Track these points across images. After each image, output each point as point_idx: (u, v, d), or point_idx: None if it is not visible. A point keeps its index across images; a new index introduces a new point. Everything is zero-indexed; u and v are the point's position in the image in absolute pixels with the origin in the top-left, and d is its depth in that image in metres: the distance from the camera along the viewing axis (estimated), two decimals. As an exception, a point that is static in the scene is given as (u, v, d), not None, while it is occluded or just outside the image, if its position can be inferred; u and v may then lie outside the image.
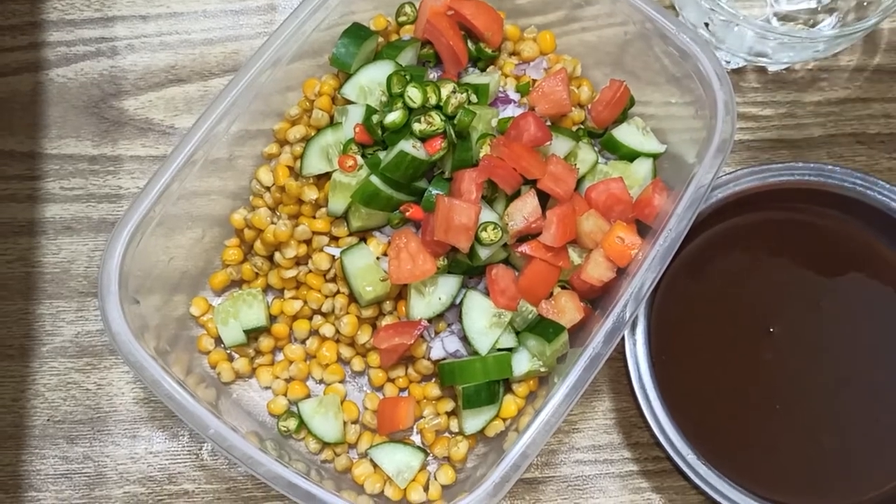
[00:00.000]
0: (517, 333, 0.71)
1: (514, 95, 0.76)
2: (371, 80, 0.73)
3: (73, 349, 0.76)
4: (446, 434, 0.73)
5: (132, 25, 0.84)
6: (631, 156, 0.75)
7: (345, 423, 0.72)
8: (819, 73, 0.83)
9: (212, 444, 0.64)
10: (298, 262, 0.74)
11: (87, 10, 0.85)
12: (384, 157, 0.71)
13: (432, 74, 0.76)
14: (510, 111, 0.75)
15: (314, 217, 0.74)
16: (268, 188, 0.75)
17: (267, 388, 0.75)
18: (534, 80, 0.77)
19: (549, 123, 0.74)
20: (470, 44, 0.77)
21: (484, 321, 0.70)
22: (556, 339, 0.68)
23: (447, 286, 0.71)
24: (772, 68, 0.82)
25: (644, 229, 0.71)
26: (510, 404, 0.71)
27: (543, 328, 0.69)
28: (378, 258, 0.72)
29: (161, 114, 0.82)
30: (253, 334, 0.74)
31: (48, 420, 0.75)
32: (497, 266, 0.70)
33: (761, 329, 0.73)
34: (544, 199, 0.70)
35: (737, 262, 0.75)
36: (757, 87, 0.83)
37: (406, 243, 0.69)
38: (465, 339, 0.70)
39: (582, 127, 0.77)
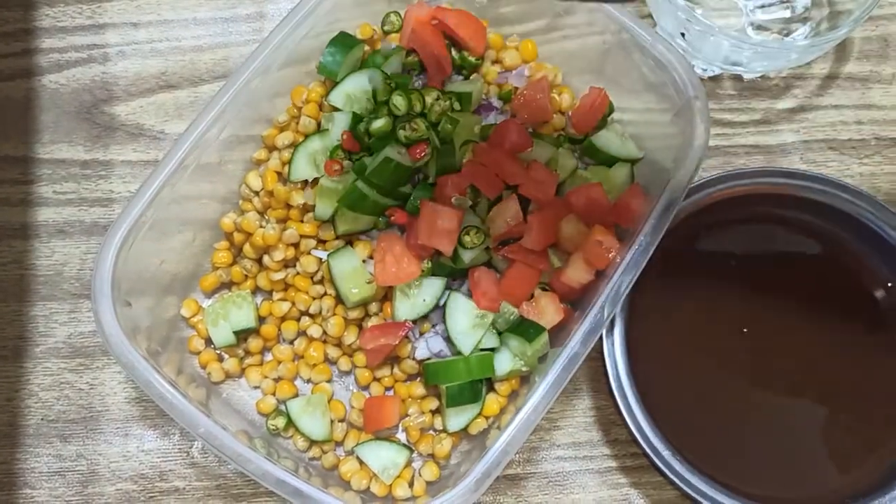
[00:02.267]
0: (499, 334, 0.73)
1: (496, 103, 0.78)
2: (357, 87, 0.75)
3: (66, 350, 0.78)
4: (430, 432, 0.75)
5: (123, 32, 0.86)
6: (610, 161, 0.77)
7: (332, 421, 0.74)
8: (793, 80, 0.86)
9: (202, 442, 0.66)
10: (286, 264, 0.76)
11: (79, 17, 0.86)
12: (370, 162, 0.72)
13: (417, 82, 0.78)
14: (492, 118, 0.77)
15: (302, 221, 0.75)
16: (257, 193, 0.77)
17: (256, 387, 0.76)
18: (516, 88, 0.79)
19: (530, 130, 0.76)
20: (454, 52, 0.78)
21: (467, 322, 0.72)
22: (536, 339, 0.70)
23: (431, 288, 0.72)
24: (747, 76, 0.84)
25: (622, 233, 0.73)
26: (492, 402, 0.73)
27: (524, 329, 0.71)
28: (364, 261, 0.73)
29: (152, 119, 0.84)
30: (242, 335, 0.76)
31: (42, 419, 0.76)
32: (479, 269, 0.72)
33: (735, 329, 0.75)
34: (525, 204, 0.72)
35: (711, 265, 0.77)
36: (732, 94, 0.85)
37: (391, 247, 0.71)
38: (448, 339, 0.72)
39: (562, 133, 0.79)
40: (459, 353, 0.71)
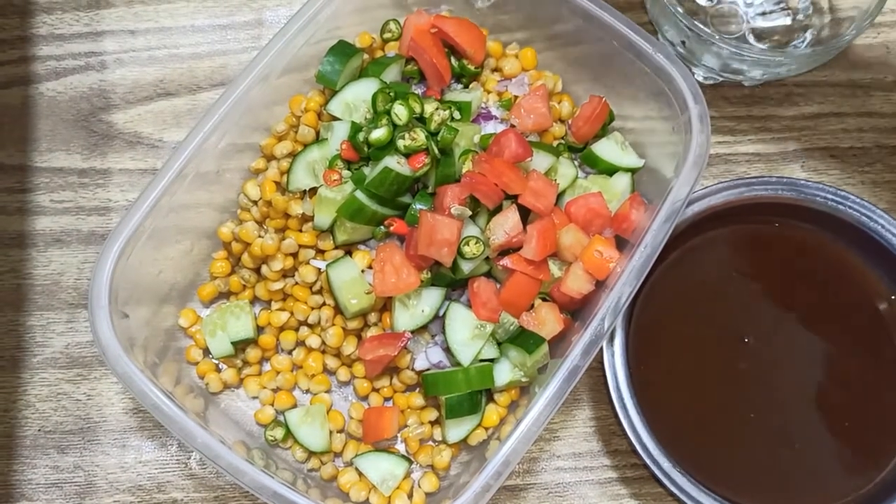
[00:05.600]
0: (499, 344, 0.72)
1: (496, 111, 0.78)
2: (356, 96, 0.75)
3: (64, 360, 0.77)
4: (430, 443, 0.74)
5: (121, 40, 0.85)
6: (610, 170, 0.77)
7: (331, 432, 0.74)
8: (794, 88, 0.85)
9: (199, 453, 0.65)
10: (285, 274, 0.75)
11: (77, 24, 0.86)
12: (369, 172, 0.72)
13: (416, 91, 0.77)
14: (492, 127, 0.77)
15: (300, 231, 0.75)
16: (255, 202, 0.76)
17: (254, 398, 0.76)
18: (515, 97, 0.79)
19: (530, 139, 0.76)
20: (453, 60, 0.78)
21: (466, 333, 0.71)
22: (536, 350, 0.70)
23: (430, 299, 0.72)
24: (748, 84, 0.84)
25: (622, 242, 0.73)
26: (492, 413, 0.73)
27: (524, 339, 0.71)
28: (363, 271, 0.73)
29: (150, 127, 0.83)
30: (240, 345, 0.75)
31: (39, 430, 0.76)
32: (479, 279, 0.72)
33: (736, 339, 0.74)
34: (525, 214, 0.72)
35: (712, 275, 0.77)
36: (733, 102, 0.85)
37: (390, 257, 0.71)
38: (448, 350, 0.72)
39: (562, 142, 0.79)
40: (459, 363, 0.71)
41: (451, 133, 0.71)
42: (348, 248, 0.75)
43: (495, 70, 0.81)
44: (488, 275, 0.73)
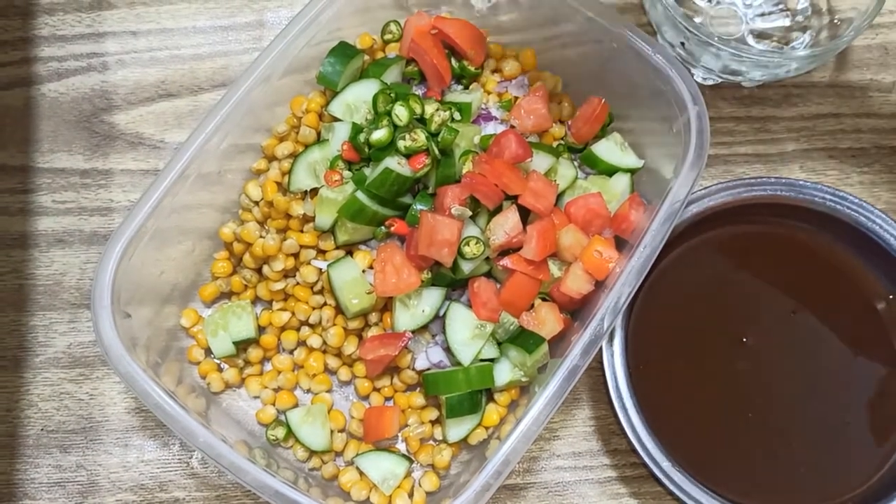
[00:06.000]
0: (499, 344, 0.73)
1: (496, 112, 0.78)
2: (357, 97, 0.75)
3: (66, 360, 0.78)
4: (430, 442, 0.75)
5: (123, 41, 0.86)
6: (609, 171, 0.77)
7: (332, 431, 0.74)
8: (793, 89, 0.86)
9: (201, 453, 0.66)
10: (286, 274, 0.76)
11: (79, 25, 0.86)
12: (370, 173, 0.72)
13: (416, 91, 0.78)
14: (492, 128, 0.77)
15: (302, 231, 0.75)
16: (256, 203, 0.77)
17: (256, 397, 0.76)
18: (516, 97, 0.79)
19: (531, 138, 0.76)
20: (453, 61, 0.78)
21: (467, 332, 0.72)
22: (536, 349, 0.70)
23: (431, 299, 0.72)
24: (746, 85, 0.84)
25: (622, 243, 0.73)
26: (492, 413, 0.73)
27: (524, 339, 0.71)
28: (364, 271, 0.73)
29: (151, 128, 0.84)
30: (242, 345, 0.76)
31: (42, 430, 0.76)
32: (479, 279, 0.73)
33: (735, 339, 0.75)
34: (525, 214, 0.72)
35: (711, 275, 0.77)
36: (732, 102, 0.85)
37: (391, 257, 0.71)
38: (448, 349, 0.72)
39: (562, 142, 0.79)
40: (459, 363, 0.71)
41: (451, 134, 0.72)
42: (349, 249, 0.75)
43: (495, 71, 0.81)
44: (488, 275, 0.74)
